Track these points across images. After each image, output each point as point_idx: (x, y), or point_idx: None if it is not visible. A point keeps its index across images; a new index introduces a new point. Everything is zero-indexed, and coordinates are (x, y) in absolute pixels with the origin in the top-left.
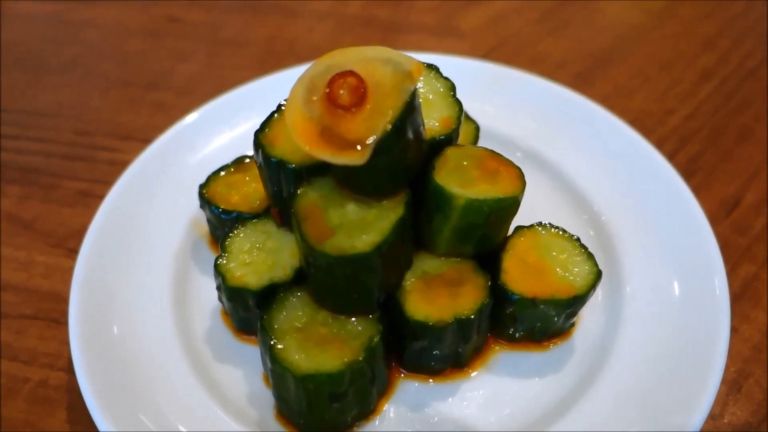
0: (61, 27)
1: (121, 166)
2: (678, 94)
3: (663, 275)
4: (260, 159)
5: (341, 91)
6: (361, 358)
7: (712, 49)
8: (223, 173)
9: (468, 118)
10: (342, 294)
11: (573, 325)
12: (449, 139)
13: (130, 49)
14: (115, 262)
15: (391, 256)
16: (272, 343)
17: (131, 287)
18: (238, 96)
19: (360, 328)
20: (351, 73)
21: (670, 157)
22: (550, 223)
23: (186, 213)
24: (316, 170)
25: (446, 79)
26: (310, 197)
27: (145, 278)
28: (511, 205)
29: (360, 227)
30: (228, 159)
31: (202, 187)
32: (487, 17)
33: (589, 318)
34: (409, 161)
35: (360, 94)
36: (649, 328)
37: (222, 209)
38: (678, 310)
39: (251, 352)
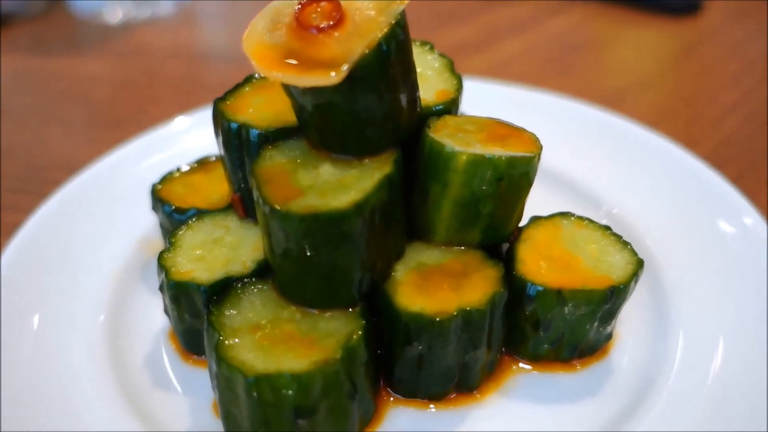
0: (23, 78)
1: None
2: (703, 127)
3: (721, 285)
4: (219, 131)
5: (313, 15)
6: (337, 357)
7: (737, 86)
8: (182, 170)
9: None
10: (314, 278)
11: (609, 339)
12: (447, 111)
13: (98, 97)
14: (41, 268)
15: (375, 225)
16: (219, 338)
17: (56, 301)
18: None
19: (337, 324)
20: None
21: None
22: (572, 213)
23: (136, 230)
24: (286, 136)
25: (443, 56)
26: (275, 160)
27: (76, 289)
28: (527, 169)
29: (336, 187)
30: None
31: (155, 185)
32: (488, 65)
33: (629, 333)
34: (397, 113)
35: (336, 18)
36: (703, 348)
37: (175, 207)
38: (739, 330)
39: (202, 377)
